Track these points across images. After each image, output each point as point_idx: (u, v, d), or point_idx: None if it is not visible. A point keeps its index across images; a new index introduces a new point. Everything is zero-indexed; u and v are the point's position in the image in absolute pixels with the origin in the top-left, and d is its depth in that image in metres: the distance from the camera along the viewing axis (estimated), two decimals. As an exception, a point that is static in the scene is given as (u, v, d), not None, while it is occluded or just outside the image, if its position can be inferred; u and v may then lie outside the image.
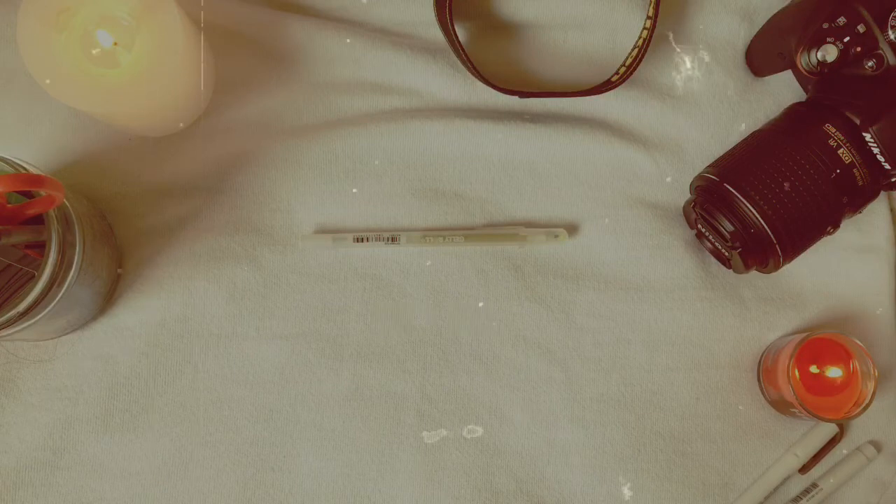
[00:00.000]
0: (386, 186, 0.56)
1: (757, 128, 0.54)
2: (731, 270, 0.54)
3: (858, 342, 0.52)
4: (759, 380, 0.55)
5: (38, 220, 0.43)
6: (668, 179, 0.56)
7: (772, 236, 0.49)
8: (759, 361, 0.56)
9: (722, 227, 0.51)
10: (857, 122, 0.49)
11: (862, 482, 0.55)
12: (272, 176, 0.55)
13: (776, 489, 0.54)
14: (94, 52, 0.47)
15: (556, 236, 0.55)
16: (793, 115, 0.53)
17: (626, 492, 0.54)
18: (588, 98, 0.55)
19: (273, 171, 0.55)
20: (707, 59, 0.57)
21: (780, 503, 0.55)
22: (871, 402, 0.51)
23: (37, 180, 0.40)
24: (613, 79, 0.55)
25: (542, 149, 0.56)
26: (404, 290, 0.55)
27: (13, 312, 0.43)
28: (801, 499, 0.54)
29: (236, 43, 0.56)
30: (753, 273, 0.54)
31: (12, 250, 0.44)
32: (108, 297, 0.53)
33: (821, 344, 0.53)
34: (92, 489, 0.52)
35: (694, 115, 0.57)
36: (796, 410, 0.52)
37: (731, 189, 0.50)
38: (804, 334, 0.52)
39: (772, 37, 0.55)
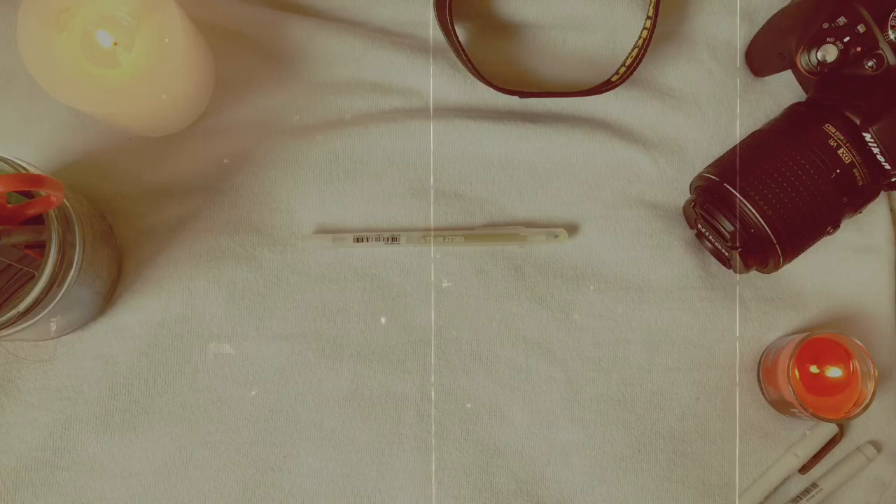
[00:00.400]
0: (386, 186, 0.56)
1: (757, 128, 0.54)
2: (731, 270, 0.54)
3: (858, 342, 0.52)
4: (759, 380, 0.55)
5: (38, 220, 0.43)
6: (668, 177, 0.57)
7: (772, 236, 0.49)
8: (759, 361, 0.56)
9: (722, 227, 0.51)
10: (857, 122, 0.49)
11: (862, 482, 0.55)
12: (272, 176, 0.55)
13: (776, 489, 0.54)
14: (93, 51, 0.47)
15: (556, 236, 0.55)
16: (793, 115, 0.53)
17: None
18: (588, 98, 0.55)
19: (273, 171, 0.55)
20: (707, 59, 0.57)
21: (780, 503, 0.55)
22: (871, 402, 0.51)
23: (37, 180, 0.40)
24: (613, 79, 0.55)
25: (542, 149, 0.56)
26: (404, 290, 0.55)
27: (13, 312, 0.43)
28: (801, 499, 0.54)
29: (236, 43, 0.56)
30: (753, 273, 0.54)
31: (12, 250, 0.44)
32: (108, 297, 0.53)
33: (821, 344, 0.53)
34: (92, 489, 0.52)
35: (694, 115, 0.57)
36: (796, 410, 0.52)
37: (731, 189, 0.50)
38: (804, 334, 0.52)
39: (772, 37, 0.55)
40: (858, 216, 0.53)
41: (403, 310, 0.55)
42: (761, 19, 0.56)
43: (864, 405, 0.51)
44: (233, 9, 0.55)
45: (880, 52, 0.48)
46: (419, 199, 0.56)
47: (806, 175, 0.49)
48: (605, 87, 0.55)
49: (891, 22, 0.48)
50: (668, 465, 0.54)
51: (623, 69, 0.55)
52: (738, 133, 0.56)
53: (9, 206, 0.42)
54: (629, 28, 0.57)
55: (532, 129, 0.56)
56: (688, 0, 0.58)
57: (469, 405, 0.54)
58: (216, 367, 0.53)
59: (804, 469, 0.54)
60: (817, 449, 0.55)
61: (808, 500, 0.54)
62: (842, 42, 0.49)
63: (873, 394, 0.51)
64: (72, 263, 0.45)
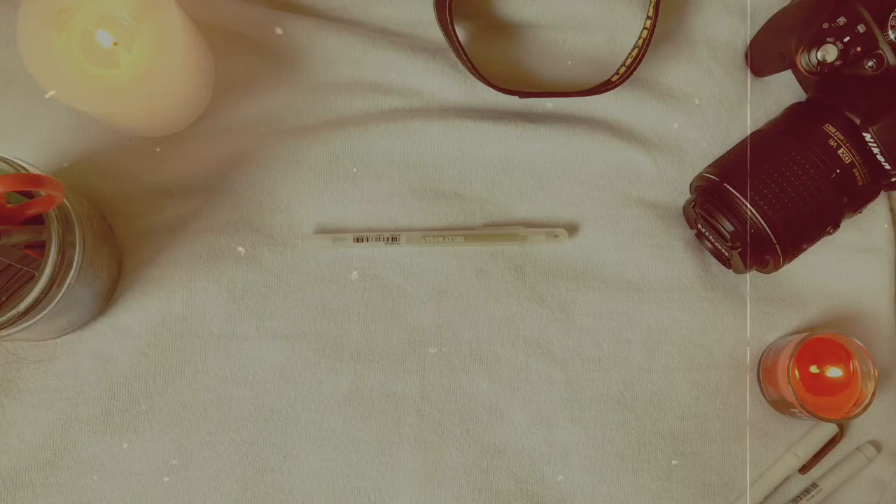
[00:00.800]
0: (386, 186, 0.56)
1: (757, 128, 0.54)
2: (731, 270, 0.54)
3: (858, 342, 0.52)
4: (759, 380, 0.55)
5: (38, 220, 0.43)
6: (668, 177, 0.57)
7: (772, 236, 0.49)
8: (759, 361, 0.56)
9: (722, 227, 0.51)
10: (857, 122, 0.49)
11: (862, 482, 0.55)
12: (272, 176, 0.55)
13: (776, 489, 0.54)
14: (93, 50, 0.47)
15: (556, 236, 0.55)
16: (793, 115, 0.53)
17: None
18: (588, 98, 0.55)
19: (273, 171, 0.55)
20: (707, 59, 0.57)
21: (779, 503, 0.55)
22: (871, 402, 0.51)
23: (37, 180, 0.40)
24: (613, 79, 0.55)
25: (542, 149, 0.56)
26: (404, 290, 0.55)
27: (13, 312, 0.43)
28: (801, 499, 0.54)
29: (236, 43, 0.56)
30: (753, 273, 0.54)
31: (12, 250, 0.44)
32: (108, 297, 0.53)
33: (821, 344, 0.53)
34: (92, 489, 0.52)
35: (694, 115, 0.57)
36: (796, 410, 0.52)
37: (731, 189, 0.50)
38: (804, 334, 0.52)
39: (772, 37, 0.55)
40: (858, 216, 0.53)
41: (403, 310, 0.55)
42: (761, 19, 0.56)
43: (864, 405, 0.51)
44: (233, 9, 0.55)
45: (880, 52, 0.48)
46: (419, 199, 0.56)
47: (806, 175, 0.49)
48: (605, 87, 0.55)
49: (891, 22, 0.48)
50: (668, 465, 0.54)
51: (623, 69, 0.55)
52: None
53: (9, 206, 0.42)
54: (629, 28, 0.57)
55: (532, 129, 0.56)
56: (688, 0, 0.58)
57: (469, 406, 0.54)
58: (216, 367, 0.53)
59: (804, 469, 0.54)
60: (817, 449, 0.55)
61: (808, 500, 0.54)
62: (842, 42, 0.49)
63: (873, 394, 0.51)
64: (72, 263, 0.45)
